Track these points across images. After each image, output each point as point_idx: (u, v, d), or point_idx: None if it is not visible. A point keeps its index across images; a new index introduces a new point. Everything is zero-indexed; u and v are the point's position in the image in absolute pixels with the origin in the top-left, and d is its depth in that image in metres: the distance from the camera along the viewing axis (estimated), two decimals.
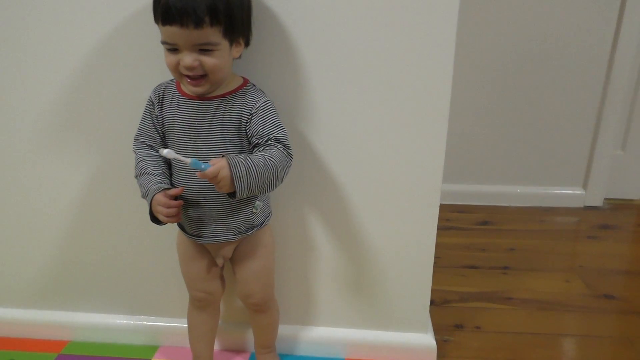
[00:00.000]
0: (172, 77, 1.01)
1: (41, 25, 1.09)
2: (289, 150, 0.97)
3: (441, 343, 1.35)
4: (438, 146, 1.11)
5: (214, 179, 0.88)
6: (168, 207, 0.94)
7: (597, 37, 1.98)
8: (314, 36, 1.04)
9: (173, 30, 0.87)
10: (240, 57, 0.99)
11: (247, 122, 0.97)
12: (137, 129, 1.03)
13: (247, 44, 0.99)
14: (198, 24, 0.86)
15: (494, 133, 2.17)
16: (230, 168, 0.88)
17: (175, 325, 1.31)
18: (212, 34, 0.88)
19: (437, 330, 1.38)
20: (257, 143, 0.96)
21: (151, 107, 1.01)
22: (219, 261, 1.09)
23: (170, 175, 1.02)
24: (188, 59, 0.89)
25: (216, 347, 1.30)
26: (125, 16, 1.06)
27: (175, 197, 0.96)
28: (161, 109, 1.00)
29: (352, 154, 1.13)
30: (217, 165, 0.88)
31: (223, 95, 0.97)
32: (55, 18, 1.08)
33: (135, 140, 1.04)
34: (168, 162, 1.02)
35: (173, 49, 0.90)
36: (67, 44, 1.09)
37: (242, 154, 0.93)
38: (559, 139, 2.15)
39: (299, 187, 1.16)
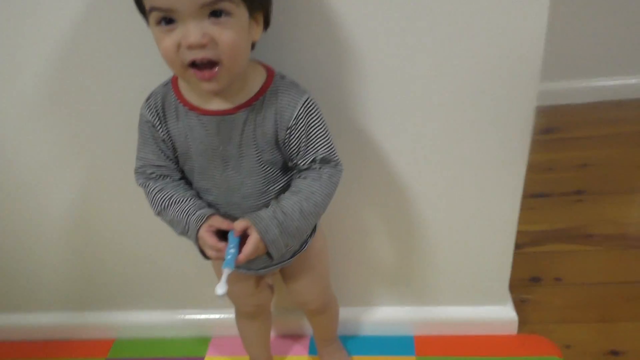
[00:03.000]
0: (165, 81, 0.76)
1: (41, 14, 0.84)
2: (338, 167, 0.76)
3: (518, 304, 1.20)
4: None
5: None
6: (219, 250, 0.73)
7: None
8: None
9: None
10: (254, 45, 0.72)
11: (285, 139, 0.73)
12: (136, 158, 0.79)
13: (267, 23, 0.71)
14: None
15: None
16: (261, 238, 0.71)
17: (224, 316, 1.19)
18: None
19: (512, 287, 1.23)
20: (298, 165, 0.75)
21: (151, 129, 0.75)
22: (269, 280, 0.93)
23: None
24: (194, 32, 0.61)
25: (272, 333, 1.19)
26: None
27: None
28: (167, 129, 0.75)
29: (411, 145, 0.91)
30: (252, 245, 0.71)
31: (249, 104, 0.71)
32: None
33: (140, 173, 0.79)
34: (190, 183, 0.80)
35: (168, 19, 0.62)
36: (71, 32, 0.85)
37: (270, 208, 0.73)
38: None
39: (355, 171, 0.95)
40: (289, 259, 0.87)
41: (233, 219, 0.75)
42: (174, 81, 0.75)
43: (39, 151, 0.99)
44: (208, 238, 0.72)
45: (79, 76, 0.89)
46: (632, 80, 1.93)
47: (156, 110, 0.74)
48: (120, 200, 1.04)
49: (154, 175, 0.78)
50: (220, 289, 0.69)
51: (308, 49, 0.82)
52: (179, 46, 0.63)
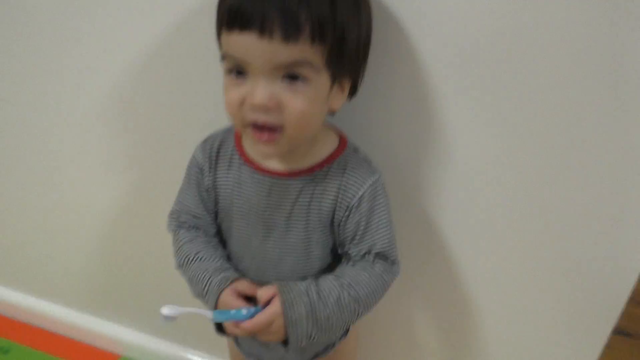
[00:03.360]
0: (230, 125, 0.69)
1: (97, 26, 0.82)
2: (394, 268, 0.64)
3: None
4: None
5: (264, 330, 0.59)
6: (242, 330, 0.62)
7: None
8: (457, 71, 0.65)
9: (246, 40, 0.52)
10: (334, 113, 0.62)
11: (341, 219, 0.63)
12: (175, 200, 0.72)
13: (353, 91, 0.62)
14: (291, 32, 0.51)
15: None
16: (283, 312, 0.58)
17: None
18: (312, 54, 0.52)
19: None
20: (349, 253, 0.64)
21: (199, 173, 0.68)
22: None
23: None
24: (261, 92, 0.53)
25: None
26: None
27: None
28: (214, 178, 0.67)
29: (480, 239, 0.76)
30: (267, 316, 0.58)
31: (311, 171, 0.62)
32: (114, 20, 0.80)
33: (174, 218, 0.72)
34: (223, 242, 0.71)
35: (238, 71, 0.55)
36: (123, 43, 0.81)
37: (304, 283, 0.61)
38: None
39: (412, 269, 0.82)
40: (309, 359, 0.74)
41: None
42: (237, 131, 0.67)
43: (91, 159, 0.96)
44: (232, 301, 0.62)
45: (144, 101, 0.85)
46: None
47: (210, 155, 0.67)
48: (155, 224, 0.97)
49: (187, 224, 0.70)
50: (168, 310, 0.59)
51: (390, 124, 0.71)
52: (243, 102, 0.55)
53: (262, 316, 0.59)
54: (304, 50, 0.52)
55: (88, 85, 0.88)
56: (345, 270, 0.64)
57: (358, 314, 0.63)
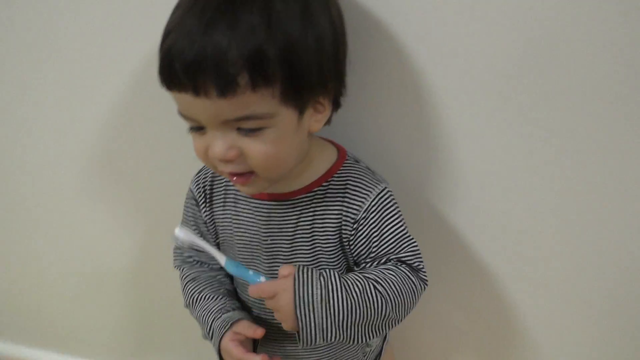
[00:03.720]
0: None
1: (96, 64, 0.79)
2: (421, 274, 0.58)
3: None
4: None
5: (270, 301, 0.53)
6: None
7: None
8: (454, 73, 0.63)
9: (186, 100, 0.49)
10: (329, 123, 0.58)
11: (350, 235, 0.59)
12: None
13: (337, 103, 0.58)
14: (226, 87, 0.46)
15: None
16: (293, 292, 0.52)
17: None
18: (258, 102, 0.48)
19: None
20: (365, 268, 0.59)
21: (195, 207, 0.66)
22: None
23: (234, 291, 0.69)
24: (218, 147, 0.51)
25: None
26: None
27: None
28: (210, 210, 0.65)
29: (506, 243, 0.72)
30: (277, 282, 0.53)
31: (310, 189, 0.59)
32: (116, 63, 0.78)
33: (178, 255, 0.69)
34: (230, 276, 0.68)
35: (196, 127, 0.52)
36: (123, 89, 0.79)
37: (331, 270, 0.56)
38: None
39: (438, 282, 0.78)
40: None
41: (267, 325, 0.62)
42: None
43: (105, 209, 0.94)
44: (233, 349, 0.58)
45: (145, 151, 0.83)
46: None
47: (204, 187, 0.64)
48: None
49: (190, 259, 0.67)
50: (183, 234, 0.57)
51: (394, 130, 0.68)
52: (207, 151, 0.52)
53: (268, 284, 0.54)
54: (247, 101, 0.48)
55: (90, 127, 0.86)
56: (369, 269, 0.58)
57: (386, 316, 0.55)
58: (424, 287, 0.58)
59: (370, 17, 0.61)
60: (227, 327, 0.59)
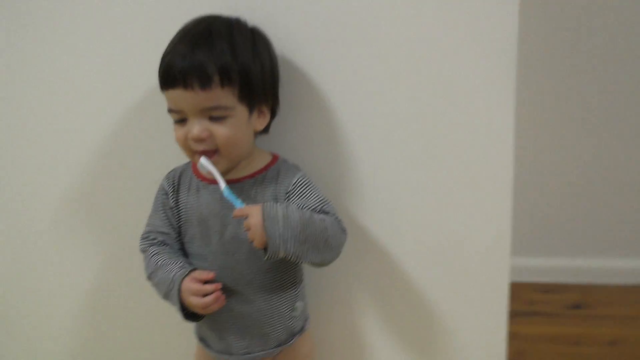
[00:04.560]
0: (187, 161, 0.90)
1: (53, 101, 1.02)
2: (341, 224, 0.82)
3: None
4: (503, 211, 0.93)
5: (246, 225, 0.75)
6: (204, 295, 0.78)
7: None
8: (354, 99, 0.91)
9: (177, 94, 0.77)
10: (267, 130, 0.86)
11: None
12: (145, 224, 0.91)
13: (273, 114, 0.86)
14: (205, 83, 0.75)
15: (589, 195, 1.87)
16: (262, 210, 0.74)
17: None
18: (224, 96, 0.77)
19: None
20: None
21: (164, 196, 0.89)
22: None
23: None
24: (196, 128, 0.77)
25: None
26: (144, 92, 0.97)
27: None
28: (177, 198, 0.88)
29: (402, 238, 0.97)
30: (252, 206, 0.75)
31: (252, 176, 0.84)
32: (68, 100, 1.01)
33: (145, 238, 0.90)
34: (186, 255, 0.88)
35: (180, 119, 0.79)
36: (82, 121, 1.02)
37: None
38: None
39: (341, 277, 1.00)
40: (272, 350, 0.87)
41: (224, 286, 0.81)
42: (194, 163, 0.88)
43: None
44: (192, 285, 0.78)
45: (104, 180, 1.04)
46: None
47: (173, 181, 0.89)
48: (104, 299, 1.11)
49: (156, 241, 0.88)
50: (205, 160, 0.78)
51: (314, 144, 0.95)
52: (186, 137, 0.79)
53: (246, 207, 0.76)
54: (217, 95, 0.76)
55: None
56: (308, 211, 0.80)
57: (326, 241, 0.77)
58: (346, 237, 0.82)
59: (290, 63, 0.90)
60: (186, 274, 0.80)
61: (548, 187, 1.87)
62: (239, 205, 0.78)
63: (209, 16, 0.82)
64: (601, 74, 1.73)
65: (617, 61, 1.72)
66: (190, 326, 0.93)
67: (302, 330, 0.91)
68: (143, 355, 1.14)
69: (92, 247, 1.09)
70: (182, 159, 0.88)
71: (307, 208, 0.80)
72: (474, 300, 0.97)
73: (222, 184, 0.78)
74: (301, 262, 0.81)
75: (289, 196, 0.83)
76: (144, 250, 0.88)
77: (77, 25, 0.97)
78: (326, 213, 0.81)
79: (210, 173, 0.79)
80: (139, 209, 0.96)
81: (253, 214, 0.75)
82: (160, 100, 0.86)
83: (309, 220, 0.76)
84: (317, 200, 0.82)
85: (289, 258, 0.76)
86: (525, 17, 0.84)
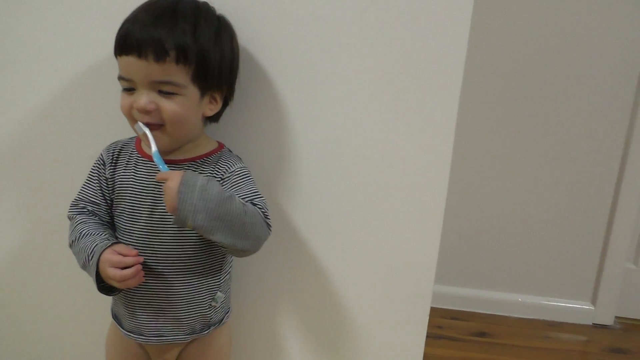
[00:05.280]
0: (132, 136, 0.86)
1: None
2: (267, 220, 0.79)
3: None
4: (432, 243, 0.95)
5: (164, 188, 0.71)
6: (123, 267, 0.73)
7: (608, 141, 1.86)
8: (308, 101, 0.91)
9: (129, 61, 0.74)
10: (217, 119, 0.85)
11: None
12: (77, 193, 0.85)
13: (225, 102, 0.84)
14: (160, 56, 0.72)
15: (494, 233, 1.99)
16: (181, 176, 0.70)
17: None
18: (177, 73, 0.74)
19: None
20: None
21: (101, 167, 0.84)
22: None
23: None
24: (143, 99, 0.74)
25: None
26: (80, 66, 0.93)
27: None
28: (113, 170, 0.83)
29: (334, 247, 0.97)
30: (172, 172, 0.72)
31: (192, 160, 0.82)
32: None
33: (74, 205, 0.84)
34: (114, 229, 0.84)
35: (129, 87, 0.76)
36: (19, 84, 0.97)
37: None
38: (566, 245, 1.97)
39: (269, 277, 0.99)
40: (183, 337, 0.84)
41: (146, 265, 0.77)
42: (137, 138, 0.85)
43: None
44: (113, 256, 0.74)
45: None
46: (568, 304, 2.02)
47: (112, 153, 0.84)
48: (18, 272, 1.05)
49: (85, 210, 0.83)
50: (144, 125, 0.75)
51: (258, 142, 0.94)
52: (131, 106, 0.75)
53: (167, 172, 0.73)
54: (170, 70, 0.74)
55: None
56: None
57: (243, 226, 0.74)
58: (269, 233, 0.79)
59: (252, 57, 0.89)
60: (107, 246, 0.75)
61: (464, 221, 1.97)
62: (163, 169, 0.75)
63: None
64: (537, 111, 1.86)
65: (553, 100, 1.85)
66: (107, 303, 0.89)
67: (220, 322, 0.88)
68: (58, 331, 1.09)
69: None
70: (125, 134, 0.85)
71: (237, 196, 0.79)
72: (395, 318, 0.99)
73: (154, 148, 0.75)
74: (212, 241, 0.76)
75: (223, 183, 0.81)
76: (70, 218, 0.83)
77: None
78: (254, 205, 0.79)
79: (145, 135, 0.76)
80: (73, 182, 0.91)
81: (172, 178, 0.71)
82: (100, 76, 0.83)
83: (227, 200, 0.73)
84: (249, 192, 0.80)
85: (198, 230, 0.72)
86: (471, 54, 0.87)
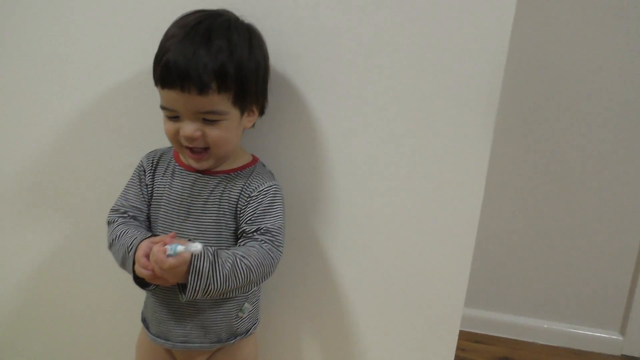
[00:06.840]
0: (170, 145, 0.89)
1: (22, 76, 1.01)
2: (277, 243, 0.81)
3: None
4: (462, 268, 0.95)
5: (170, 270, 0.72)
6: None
7: (639, 168, 1.83)
8: (338, 110, 0.92)
9: (173, 95, 0.76)
10: (253, 126, 0.88)
11: (244, 206, 0.83)
12: (116, 199, 0.89)
13: (261, 112, 0.87)
14: (202, 89, 0.74)
15: (523, 257, 1.96)
16: (190, 261, 0.73)
17: None
18: (219, 102, 0.77)
19: None
20: (244, 230, 0.82)
21: (142, 173, 0.88)
22: None
23: None
24: (189, 128, 0.77)
25: None
26: (120, 75, 0.97)
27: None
28: (152, 177, 0.87)
29: (364, 264, 0.98)
30: (181, 257, 0.72)
31: (226, 172, 0.85)
32: (43, 71, 1.00)
33: (114, 211, 0.87)
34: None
35: (173, 116, 0.78)
36: (52, 98, 1.01)
37: (212, 248, 0.77)
38: (595, 272, 1.93)
39: (299, 292, 1.00)
40: (209, 345, 0.86)
41: None
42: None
43: None
44: (148, 242, 0.77)
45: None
46: (595, 334, 1.98)
47: (152, 160, 0.88)
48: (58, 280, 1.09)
49: (126, 214, 0.86)
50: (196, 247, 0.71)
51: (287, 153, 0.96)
52: (177, 132, 0.79)
53: (175, 258, 0.72)
54: (213, 100, 0.76)
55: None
56: (238, 247, 0.81)
57: (250, 280, 0.77)
58: (280, 255, 0.81)
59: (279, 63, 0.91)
60: (146, 237, 0.79)
61: (492, 244, 1.95)
62: (171, 250, 0.73)
63: (209, 14, 0.81)
64: (569, 140, 1.85)
65: (585, 128, 1.84)
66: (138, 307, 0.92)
67: (247, 333, 0.90)
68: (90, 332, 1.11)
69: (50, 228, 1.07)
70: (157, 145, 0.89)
71: (255, 217, 0.81)
72: (424, 341, 0.99)
73: (193, 248, 0.73)
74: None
75: (250, 201, 0.83)
76: (112, 221, 0.86)
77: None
78: (267, 231, 0.81)
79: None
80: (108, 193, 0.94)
81: (180, 268, 0.73)
82: (139, 86, 0.86)
83: (232, 271, 0.75)
84: (269, 214, 0.82)
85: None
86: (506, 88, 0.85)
